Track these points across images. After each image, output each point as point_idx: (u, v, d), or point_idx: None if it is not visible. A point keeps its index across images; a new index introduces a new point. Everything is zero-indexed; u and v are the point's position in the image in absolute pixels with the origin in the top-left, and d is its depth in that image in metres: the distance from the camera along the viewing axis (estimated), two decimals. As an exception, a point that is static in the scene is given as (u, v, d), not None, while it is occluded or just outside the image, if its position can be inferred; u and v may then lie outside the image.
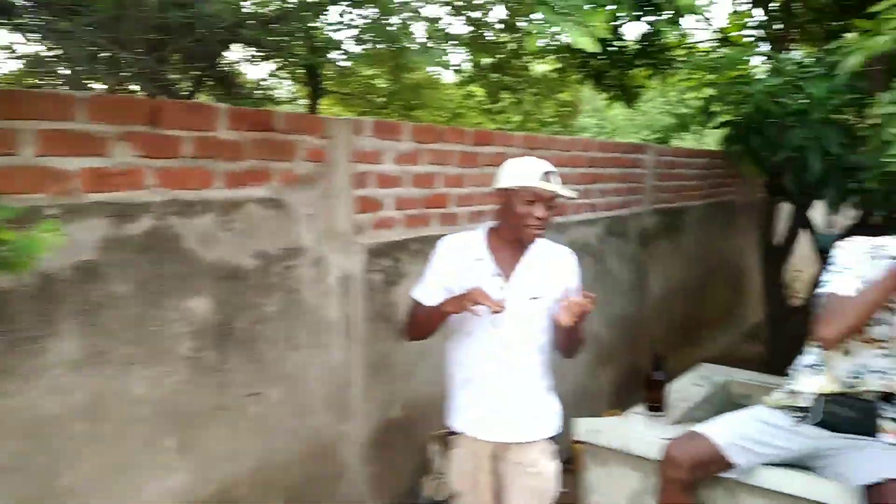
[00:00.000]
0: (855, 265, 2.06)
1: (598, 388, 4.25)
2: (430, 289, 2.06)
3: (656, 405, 2.64)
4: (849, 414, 2.04)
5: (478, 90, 7.22)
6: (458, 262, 2.04)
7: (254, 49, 5.13)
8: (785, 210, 5.44)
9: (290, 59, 5.38)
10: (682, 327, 5.20)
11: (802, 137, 3.49)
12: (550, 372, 2.17)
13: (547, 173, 1.92)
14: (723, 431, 2.09)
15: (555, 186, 1.93)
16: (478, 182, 3.22)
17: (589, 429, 2.57)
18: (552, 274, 2.06)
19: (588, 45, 1.84)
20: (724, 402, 3.02)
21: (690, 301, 5.33)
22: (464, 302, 1.84)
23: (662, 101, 11.87)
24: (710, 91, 4.01)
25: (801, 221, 4.92)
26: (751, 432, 2.09)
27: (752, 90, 3.70)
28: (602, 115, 12.73)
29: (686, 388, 2.94)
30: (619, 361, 4.47)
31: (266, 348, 2.30)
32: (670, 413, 2.65)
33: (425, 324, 2.04)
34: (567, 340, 2.04)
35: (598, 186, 4.18)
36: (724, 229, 5.97)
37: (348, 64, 6.27)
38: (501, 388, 2.03)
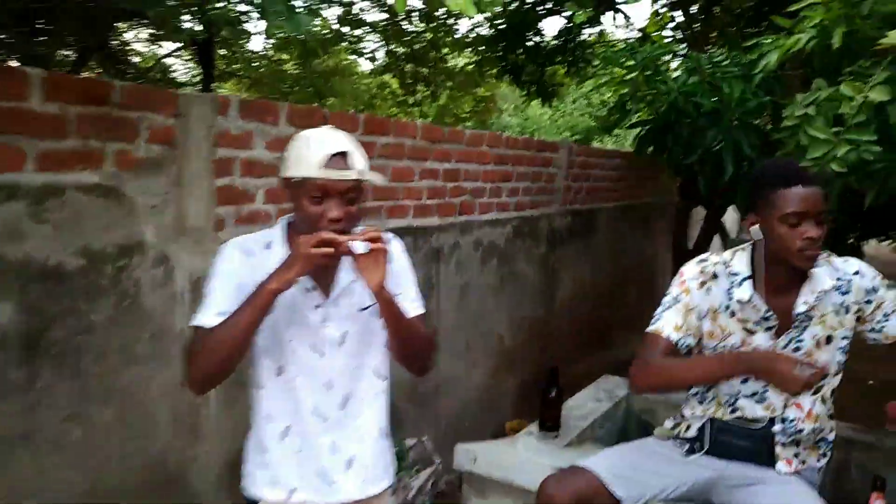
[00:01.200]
0: (684, 297, 1.90)
1: (503, 394, 4.02)
2: (222, 301, 1.45)
3: (550, 424, 2.40)
4: (740, 442, 1.85)
5: (392, 81, 6.92)
6: (252, 272, 1.45)
7: (142, 23, 4.68)
8: (700, 214, 5.37)
9: (176, 34, 4.95)
10: (593, 330, 5.04)
11: (716, 139, 3.34)
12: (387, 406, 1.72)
13: (335, 155, 1.39)
14: (608, 464, 1.84)
15: (346, 172, 1.40)
16: (369, 175, 2.92)
17: (468, 454, 2.29)
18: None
19: (465, 6, 1.57)
20: (626, 418, 2.82)
21: (602, 304, 5.18)
22: (301, 255, 1.35)
23: (585, 102, 11.86)
24: (625, 88, 3.82)
25: (713, 226, 4.82)
26: (639, 464, 1.86)
27: (667, 89, 3.53)
28: (525, 115, 12.63)
29: (585, 404, 2.71)
30: (525, 366, 4.25)
31: (92, 362, 1.94)
32: (566, 432, 2.42)
33: (231, 338, 1.40)
34: (398, 337, 1.52)
35: (508, 185, 3.94)
36: (638, 232, 5.86)
37: (255, 48, 5.86)
38: (335, 432, 1.55)
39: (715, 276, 1.87)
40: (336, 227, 1.39)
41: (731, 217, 8.27)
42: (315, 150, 1.40)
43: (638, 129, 3.91)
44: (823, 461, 1.87)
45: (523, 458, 2.17)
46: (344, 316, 1.54)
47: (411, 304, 1.60)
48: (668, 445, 1.93)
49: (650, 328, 1.91)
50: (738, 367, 1.78)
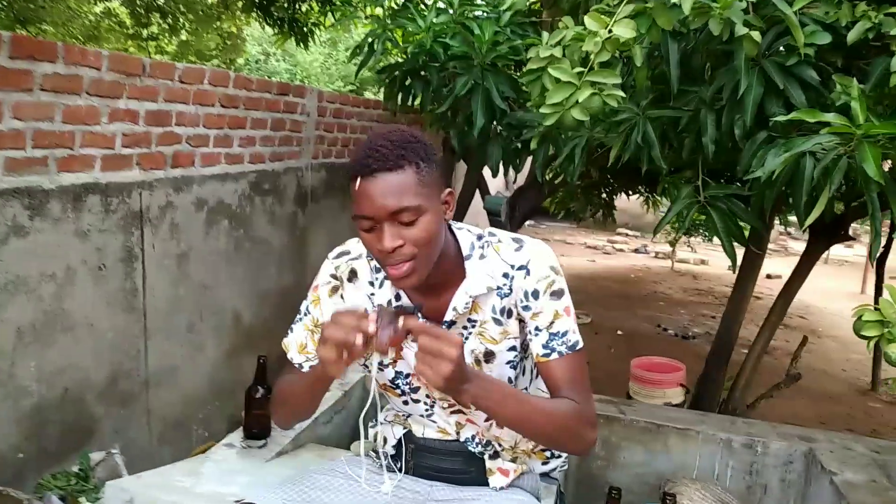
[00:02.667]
0: (313, 309, 1.45)
1: (243, 380, 3.48)
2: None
3: (257, 431, 1.94)
4: (441, 463, 1.47)
5: (121, 10, 5.88)
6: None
7: None
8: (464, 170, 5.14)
9: None
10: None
11: (466, 87, 3.01)
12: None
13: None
14: (285, 496, 1.39)
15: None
16: (24, 113, 2.21)
17: (120, 496, 1.70)
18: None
19: None
20: (358, 407, 2.44)
21: (362, 268, 4.79)
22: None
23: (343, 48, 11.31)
24: (372, 26, 3.38)
25: (473, 183, 4.60)
26: (325, 488, 1.45)
27: (416, 28, 3.14)
28: (295, 61, 11.80)
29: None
30: (271, 345, 3.75)
31: None
32: (279, 438, 1.98)
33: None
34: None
35: (240, 133, 3.36)
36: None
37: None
38: None
39: (354, 274, 1.42)
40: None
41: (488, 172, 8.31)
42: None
43: (385, 74, 3.49)
44: (554, 462, 1.58)
45: (206, 488, 1.67)
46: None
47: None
48: (364, 464, 1.51)
49: (284, 340, 1.51)
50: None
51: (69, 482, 2.15)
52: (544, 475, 1.54)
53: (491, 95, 2.96)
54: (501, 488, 1.42)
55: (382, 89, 3.57)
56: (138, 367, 2.78)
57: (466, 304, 1.33)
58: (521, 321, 1.36)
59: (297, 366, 1.45)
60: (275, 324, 3.75)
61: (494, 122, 3.10)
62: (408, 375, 1.40)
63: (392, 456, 1.50)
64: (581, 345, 1.34)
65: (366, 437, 1.51)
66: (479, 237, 1.37)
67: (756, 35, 1.76)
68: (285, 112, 3.71)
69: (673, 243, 9.22)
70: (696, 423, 2.32)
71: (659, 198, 6.82)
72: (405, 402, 1.45)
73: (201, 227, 3.12)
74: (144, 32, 5.79)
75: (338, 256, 1.45)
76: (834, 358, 5.52)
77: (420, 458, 1.49)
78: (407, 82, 3.36)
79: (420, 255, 1.19)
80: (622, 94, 1.71)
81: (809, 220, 1.74)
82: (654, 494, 2.30)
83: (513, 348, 1.38)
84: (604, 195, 6.89)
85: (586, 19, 1.69)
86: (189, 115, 2.97)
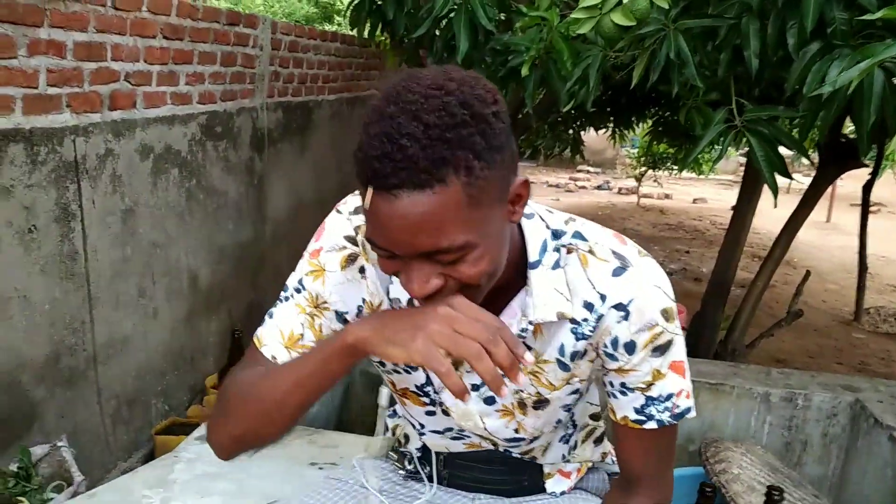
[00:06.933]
0: (313, 283, 0.98)
1: (203, 345, 3.14)
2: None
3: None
4: (481, 475, 1.11)
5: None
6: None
7: None
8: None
9: None
10: (319, 250, 4.31)
11: (446, 7, 2.64)
12: None
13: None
14: None
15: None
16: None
17: None
18: None
19: None
20: (348, 387, 2.14)
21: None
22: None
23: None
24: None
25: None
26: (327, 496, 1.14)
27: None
28: (235, 0, 11.03)
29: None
30: (233, 306, 3.40)
31: None
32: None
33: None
34: None
35: (187, 68, 2.93)
36: (365, 130, 5.14)
37: None
38: None
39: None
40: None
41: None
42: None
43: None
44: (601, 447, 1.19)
45: (176, 490, 1.34)
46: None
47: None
48: (382, 468, 1.20)
49: (259, 331, 1.01)
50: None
51: (6, 484, 1.82)
52: (611, 474, 1.22)
53: (476, 16, 2.60)
54: (563, 493, 1.12)
55: (348, 14, 3.15)
56: (83, 341, 2.41)
57: (523, 330, 0.90)
58: (597, 362, 0.95)
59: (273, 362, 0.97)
60: (233, 282, 3.40)
61: (478, 47, 2.74)
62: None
63: (419, 459, 1.14)
64: (694, 413, 0.96)
65: (384, 431, 1.21)
66: (557, 234, 0.91)
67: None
68: (236, 45, 3.28)
69: (639, 178, 9.03)
70: (728, 376, 2.09)
71: (626, 132, 6.59)
72: (429, 413, 1.05)
73: (147, 177, 2.72)
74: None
75: (356, 211, 0.97)
76: (812, 289, 5.42)
77: (454, 468, 1.13)
78: (378, 3, 2.95)
79: (470, 292, 0.78)
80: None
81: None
82: (685, 457, 2.07)
83: (576, 392, 0.99)
84: (571, 131, 6.61)
85: None
86: (127, 47, 2.54)
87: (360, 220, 0.94)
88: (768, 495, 1.32)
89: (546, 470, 1.11)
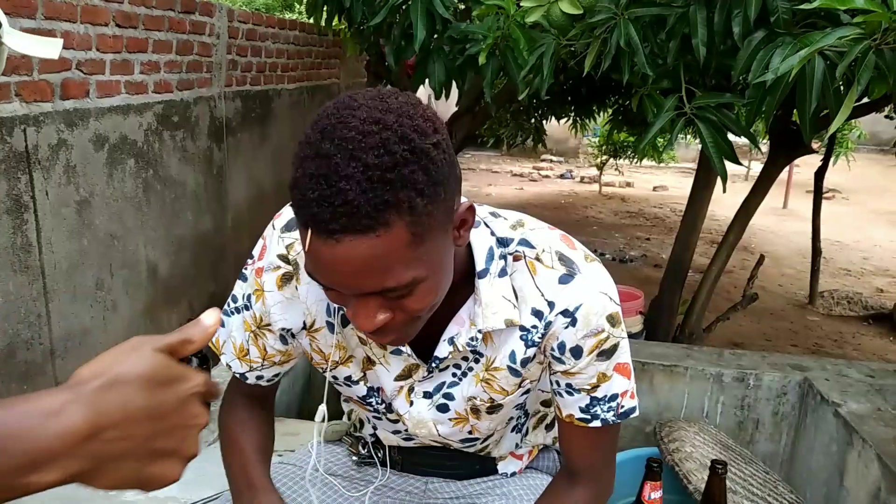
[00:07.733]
0: (256, 303, 0.98)
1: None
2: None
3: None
4: (436, 461, 1.14)
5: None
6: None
7: None
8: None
9: None
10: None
11: (404, -5, 2.64)
12: None
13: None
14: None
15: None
16: None
17: None
18: None
19: None
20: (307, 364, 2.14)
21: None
22: None
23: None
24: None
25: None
26: (292, 492, 1.10)
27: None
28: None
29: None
30: (193, 297, 3.38)
31: None
32: (213, 416, 1.66)
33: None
34: None
35: (142, 57, 2.89)
36: (327, 119, 5.12)
37: None
38: None
39: None
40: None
41: (424, 95, 7.91)
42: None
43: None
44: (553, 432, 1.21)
45: (129, 496, 1.35)
46: None
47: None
48: (337, 453, 1.21)
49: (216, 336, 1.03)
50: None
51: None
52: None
53: (433, 4, 2.60)
54: (513, 473, 1.15)
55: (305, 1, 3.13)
56: (40, 335, 2.38)
57: (473, 339, 0.90)
58: (545, 362, 0.96)
59: (238, 376, 1.03)
60: (193, 273, 3.37)
61: (436, 36, 2.74)
62: (379, 389, 1.01)
63: (372, 444, 1.16)
64: (637, 412, 0.98)
65: (339, 417, 1.23)
66: (503, 242, 0.90)
67: None
68: (192, 33, 3.24)
69: (600, 167, 9.12)
70: (682, 358, 2.14)
71: (587, 121, 6.64)
72: (377, 418, 1.07)
73: (103, 168, 2.68)
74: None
75: (288, 228, 0.94)
76: (769, 273, 5.55)
77: (407, 455, 1.15)
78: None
79: (414, 323, 0.80)
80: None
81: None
82: (642, 438, 2.12)
83: (527, 392, 1.01)
84: (533, 120, 6.66)
85: None
86: (78, 35, 2.50)
87: (292, 237, 0.93)
88: (712, 469, 1.37)
89: (499, 454, 1.14)
